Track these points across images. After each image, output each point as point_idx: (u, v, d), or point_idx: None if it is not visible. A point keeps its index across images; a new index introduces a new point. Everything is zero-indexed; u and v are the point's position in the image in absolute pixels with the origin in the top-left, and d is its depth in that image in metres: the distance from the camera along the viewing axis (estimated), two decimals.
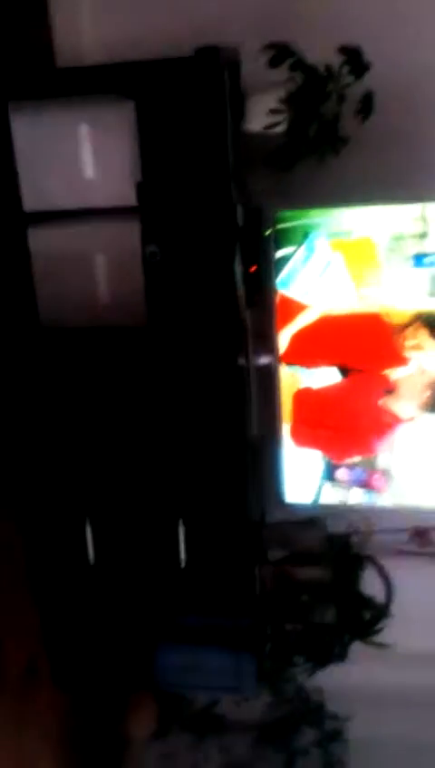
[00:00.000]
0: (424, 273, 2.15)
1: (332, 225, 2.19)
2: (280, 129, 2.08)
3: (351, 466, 2.43)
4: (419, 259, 2.14)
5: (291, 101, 2.07)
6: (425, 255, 2.13)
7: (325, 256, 2.21)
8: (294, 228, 2.21)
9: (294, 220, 2.21)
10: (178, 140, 1.98)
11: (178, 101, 1.95)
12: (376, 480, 2.43)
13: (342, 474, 2.45)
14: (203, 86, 1.94)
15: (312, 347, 2.33)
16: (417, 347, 2.25)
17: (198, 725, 2.66)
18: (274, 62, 2.05)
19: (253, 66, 2.05)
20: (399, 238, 2.13)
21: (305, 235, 2.20)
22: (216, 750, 2.64)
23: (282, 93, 2.07)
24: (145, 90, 1.95)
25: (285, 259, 2.24)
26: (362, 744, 2.61)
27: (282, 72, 2.06)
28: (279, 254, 2.23)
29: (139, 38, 2.21)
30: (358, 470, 2.43)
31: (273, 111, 2.06)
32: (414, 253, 2.14)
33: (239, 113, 2.07)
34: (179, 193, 2.02)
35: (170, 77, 1.95)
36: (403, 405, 2.33)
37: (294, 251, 2.23)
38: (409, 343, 2.25)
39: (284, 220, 2.21)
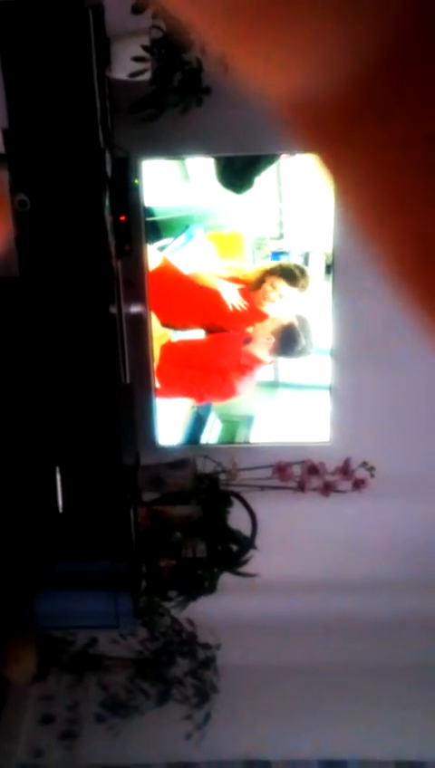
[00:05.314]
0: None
1: (209, 219, 2.36)
2: (145, 77, 2.09)
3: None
4: (275, 255, 2.41)
5: (154, 49, 2.08)
6: (281, 252, 2.41)
7: (201, 244, 2.39)
8: (175, 220, 2.36)
9: (176, 213, 2.35)
10: (45, 86, 1.95)
11: (43, 44, 1.93)
12: None
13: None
14: (67, 28, 1.92)
15: (181, 310, 2.42)
16: (276, 297, 2.39)
17: (77, 665, 2.71)
18: (136, 9, 2.05)
19: (116, 13, 2.05)
20: (261, 239, 2.40)
21: (186, 227, 2.36)
22: (94, 688, 2.71)
23: (145, 41, 2.08)
24: (8, 32, 1.90)
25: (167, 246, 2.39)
26: (232, 670, 2.75)
27: (145, 19, 2.07)
28: (162, 242, 2.38)
29: None
30: None
31: (137, 59, 2.07)
32: (272, 250, 2.41)
33: (105, 60, 2.06)
34: (47, 141, 2.00)
35: (34, 18, 1.91)
36: (259, 350, 2.45)
37: (175, 239, 2.38)
38: (268, 296, 2.38)
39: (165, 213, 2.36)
